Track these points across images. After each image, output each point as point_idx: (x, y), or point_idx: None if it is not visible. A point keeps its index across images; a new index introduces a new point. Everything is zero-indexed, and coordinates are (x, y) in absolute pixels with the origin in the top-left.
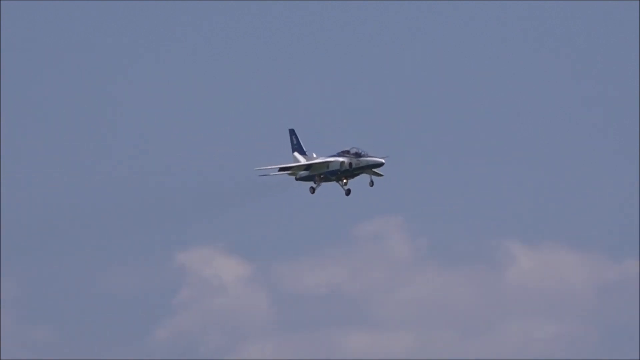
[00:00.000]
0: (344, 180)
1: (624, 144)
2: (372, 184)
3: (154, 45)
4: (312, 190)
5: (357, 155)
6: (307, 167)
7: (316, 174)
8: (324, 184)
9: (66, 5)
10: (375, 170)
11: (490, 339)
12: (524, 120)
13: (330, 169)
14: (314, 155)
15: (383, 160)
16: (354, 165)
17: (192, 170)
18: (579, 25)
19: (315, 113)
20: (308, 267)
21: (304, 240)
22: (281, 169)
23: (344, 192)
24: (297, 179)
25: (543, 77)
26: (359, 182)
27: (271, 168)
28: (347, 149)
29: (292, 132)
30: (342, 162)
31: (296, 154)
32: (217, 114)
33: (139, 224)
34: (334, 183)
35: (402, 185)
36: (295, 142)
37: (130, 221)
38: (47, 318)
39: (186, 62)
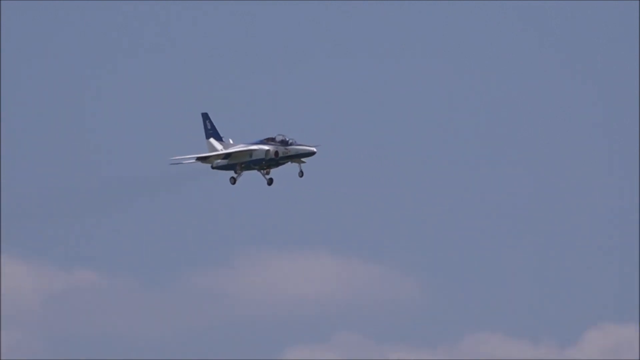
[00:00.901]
0: (266, 170)
1: (623, 145)
2: (301, 174)
3: (50, 32)
4: (233, 180)
5: (284, 143)
6: (227, 155)
7: (237, 163)
8: (244, 172)
9: None
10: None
11: None
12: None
13: (254, 157)
14: (231, 142)
15: (315, 149)
16: (280, 154)
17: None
18: (578, 25)
19: (229, 97)
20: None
21: (224, 239)
22: (198, 159)
23: (265, 182)
24: (213, 168)
25: (537, 77)
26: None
27: (187, 158)
28: (272, 136)
29: (205, 117)
30: (268, 151)
31: (212, 140)
32: (118, 97)
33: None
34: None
35: (330, 177)
36: (209, 127)
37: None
38: None
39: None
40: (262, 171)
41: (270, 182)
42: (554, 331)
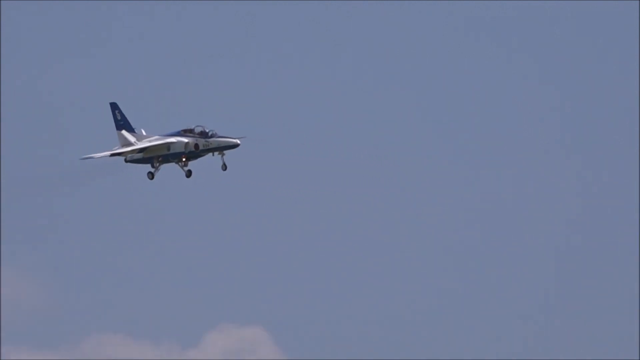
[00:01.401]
0: (184, 160)
1: (623, 146)
2: (224, 167)
3: None
4: (151, 175)
5: (204, 134)
6: (142, 149)
7: (154, 157)
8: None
9: None
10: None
11: None
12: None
13: (173, 151)
14: (144, 133)
15: (238, 141)
16: (201, 147)
17: None
18: (578, 25)
19: (138, 86)
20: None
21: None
22: (113, 155)
23: (184, 174)
24: (127, 161)
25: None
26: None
27: (101, 156)
28: (190, 127)
29: (114, 107)
30: (187, 143)
31: (124, 132)
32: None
33: None
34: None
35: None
36: (119, 118)
37: None
38: None
39: None
40: (180, 163)
41: (189, 174)
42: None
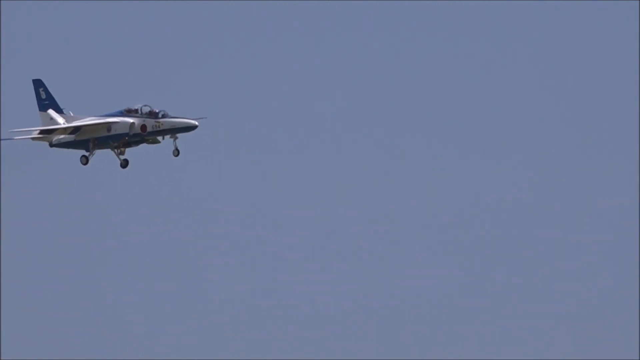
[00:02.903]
0: (122, 149)
1: (623, 147)
2: (177, 152)
3: None
4: (85, 159)
5: (153, 114)
6: (76, 129)
7: (90, 139)
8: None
9: None
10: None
11: None
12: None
13: (114, 132)
14: (72, 115)
15: (196, 123)
16: (150, 129)
17: None
18: (578, 25)
19: (65, 61)
20: None
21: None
22: (41, 132)
23: (119, 163)
24: (52, 145)
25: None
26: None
27: (27, 131)
28: (134, 106)
29: (38, 84)
30: (132, 124)
31: (51, 111)
32: None
33: None
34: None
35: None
36: (44, 97)
37: None
38: None
39: None
40: (116, 150)
41: (125, 164)
42: None
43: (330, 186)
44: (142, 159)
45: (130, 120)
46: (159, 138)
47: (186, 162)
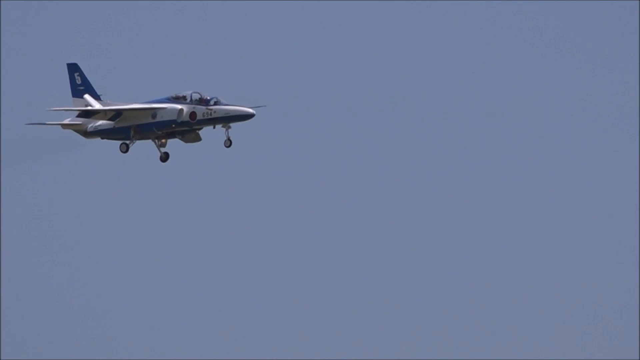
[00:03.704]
0: (164, 140)
1: (623, 148)
2: (229, 143)
3: None
4: (126, 147)
5: (203, 102)
6: (118, 113)
7: (131, 127)
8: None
9: None
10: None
11: None
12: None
13: (160, 118)
14: (108, 102)
15: (253, 111)
16: (200, 117)
17: None
18: (578, 25)
19: (102, 44)
20: None
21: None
22: (80, 115)
23: (159, 157)
24: (88, 133)
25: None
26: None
27: (66, 110)
28: (182, 93)
29: (73, 68)
30: (181, 110)
31: (87, 96)
32: None
33: None
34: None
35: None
36: (80, 83)
37: None
38: None
39: None
40: (157, 141)
41: (165, 157)
42: None
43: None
44: (183, 153)
45: (179, 106)
46: (200, 134)
47: (237, 155)
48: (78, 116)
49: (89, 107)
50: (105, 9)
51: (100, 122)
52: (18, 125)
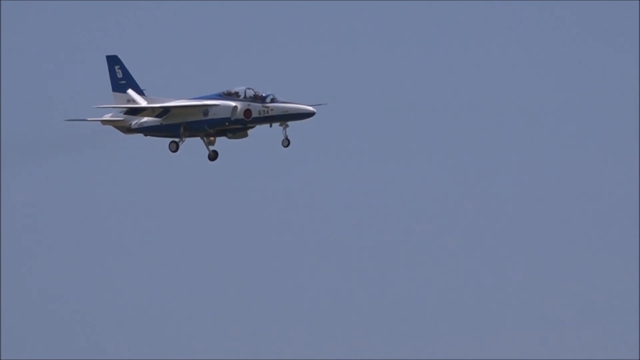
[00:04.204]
0: (212, 138)
1: (623, 147)
2: (287, 142)
3: None
4: (176, 146)
5: (259, 98)
6: (166, 110)
7: (182, 123)
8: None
9: None
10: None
11: None
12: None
13: (213, 116)
14: (152, 97)
15: (314, 109)
16: (255, 114)
17: None
18: (578, 25)
19: (141, 36)
20: None
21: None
22: (128, 112)
23: (207, 155)
24: (131, 130)
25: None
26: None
27: (114, 108)
28: (234, 89)
29: (113, 61)
30: (235, 108)
31: (130, 91)
32: None
33: None
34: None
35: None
36: (121, 77)
37: None
38: None
39: None
40: (206, 139)
41: (213, 156)
42: None
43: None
44: (231, 151)
45: (233, 103)
46: (247, 132)
47: (293, 156)
48: (125, 113)
49: (137, 105)
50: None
51: (145, 119)
52: (57, 121)
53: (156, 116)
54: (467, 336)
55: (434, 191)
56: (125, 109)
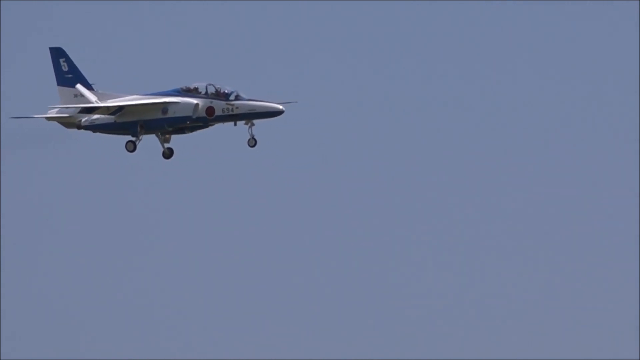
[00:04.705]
0: (168, 135)
1: (623, 147)
2: (254, 142)
3: None
4: (133, 146)
5: (221, 95)
6: (120, 107)
7: (139, 121)
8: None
9: None
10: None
11: None
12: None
13: (173, 114)
14: (101, 92)
15: (282, 108)
16: (218, 112)
17: None
18: (578, 25)
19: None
20: None
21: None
22: (83, 111)
23: (161, 152)
24: (82, 127)
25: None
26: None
27: (69, 108)
28: (193, 85)
29: (58, 53)
30: (197, 106)
31: (79, 86)
32: None
33: None
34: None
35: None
36: (66, 70)
37: None
38: None
39: None
40: (162, 136)
41: (168, 153)
42: None
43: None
44: (189, 148)
45: (194, 101)
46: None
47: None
48: (80, 112)
49: (90, 102)
50: None
51: (97, 116)
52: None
53: (110, 113)
54: (467, 336)
55: (412, 191)
56: (81, 109)
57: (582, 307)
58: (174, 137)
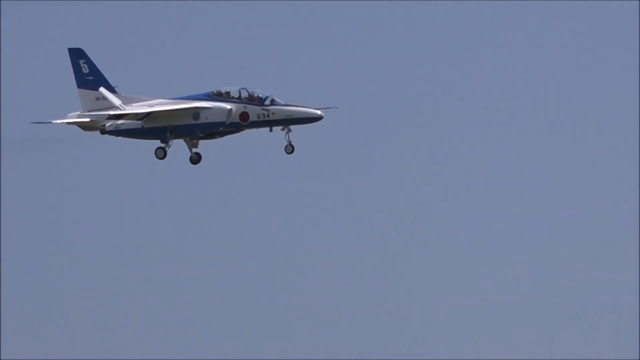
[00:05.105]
0: (195, 140)
1: (623, 147)
2: (291, 149)
3: None
4: (163, 152)
5: (257, 100)
6: (148, 113)
7: (168, 128)
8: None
9: None
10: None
11: None
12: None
13: (205, 120)
14: (123, 95)
15: (321, 113)
16: (253, 118)
17: None
18: (578, 26)
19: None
20: None
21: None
22: (111, 117)
23: (188, 157)
24: (105, 132)
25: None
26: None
27: (97, 114)
28: (225, 89)
29: (77, 54)
30: (230, 111)
31: (102, 89)
32: None
33: None
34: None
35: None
36: (87, 72)
37: None
38: None
39: None
40: (190, 141)
41: (196, 159)
42: None
43: None
44: (217, 154)
45: (227, 106)
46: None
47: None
48: (108, 118)
49: (119, 112)
50: None
51: (122, 121)
52: (22, 124)
53: (140, 119)
54: (467, 336)
55: (443, 196)
56: (108, 116)
57: (582, 307)
58: (201, 142)
